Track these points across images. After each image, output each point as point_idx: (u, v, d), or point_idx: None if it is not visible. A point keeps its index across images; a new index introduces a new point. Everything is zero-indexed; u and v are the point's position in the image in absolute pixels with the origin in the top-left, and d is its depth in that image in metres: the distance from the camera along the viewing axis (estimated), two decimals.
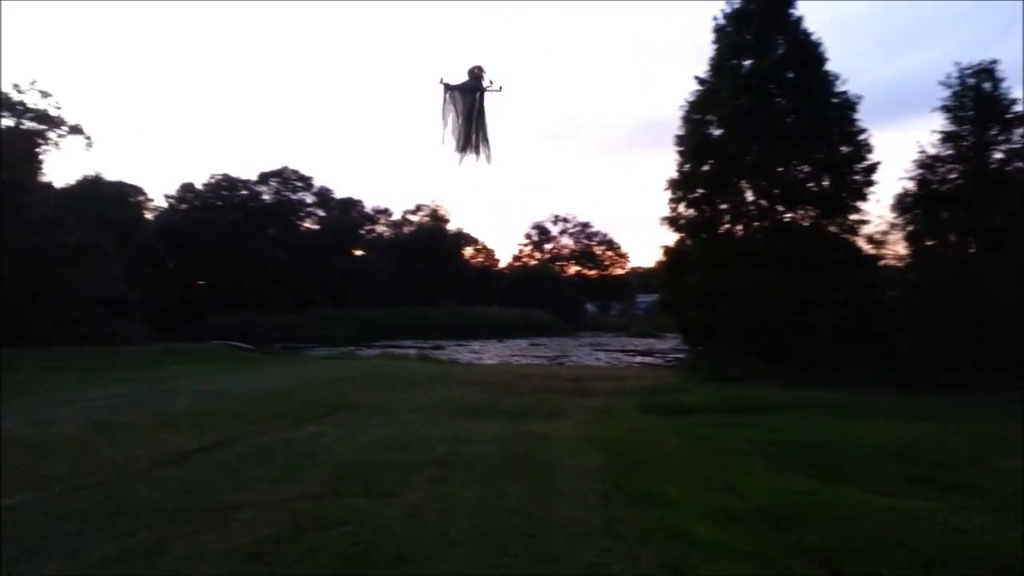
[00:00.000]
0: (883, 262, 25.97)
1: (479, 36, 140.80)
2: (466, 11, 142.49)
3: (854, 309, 22.43)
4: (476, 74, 8.54)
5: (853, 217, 25.10)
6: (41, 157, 44.31)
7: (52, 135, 44.18)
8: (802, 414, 14.94)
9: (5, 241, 31.34)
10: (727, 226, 26.65)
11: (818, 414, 14.93)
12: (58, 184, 47.28)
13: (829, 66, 25.97)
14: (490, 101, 8.67)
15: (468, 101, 8.54)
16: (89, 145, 45.48)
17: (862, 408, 16.14)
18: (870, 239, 25.65)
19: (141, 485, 8.21)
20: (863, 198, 24.96)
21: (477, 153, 8.54)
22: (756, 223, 26.02)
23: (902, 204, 26.44)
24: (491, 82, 8.60)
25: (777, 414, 14.89)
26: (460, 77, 8.53)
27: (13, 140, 41.38)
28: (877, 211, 26.02)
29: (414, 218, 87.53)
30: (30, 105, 42.18)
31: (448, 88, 8.55)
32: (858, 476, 8.98)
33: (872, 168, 25.05)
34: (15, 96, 41.44)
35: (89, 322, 35.90)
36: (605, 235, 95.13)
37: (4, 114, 41.21)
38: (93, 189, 50.21)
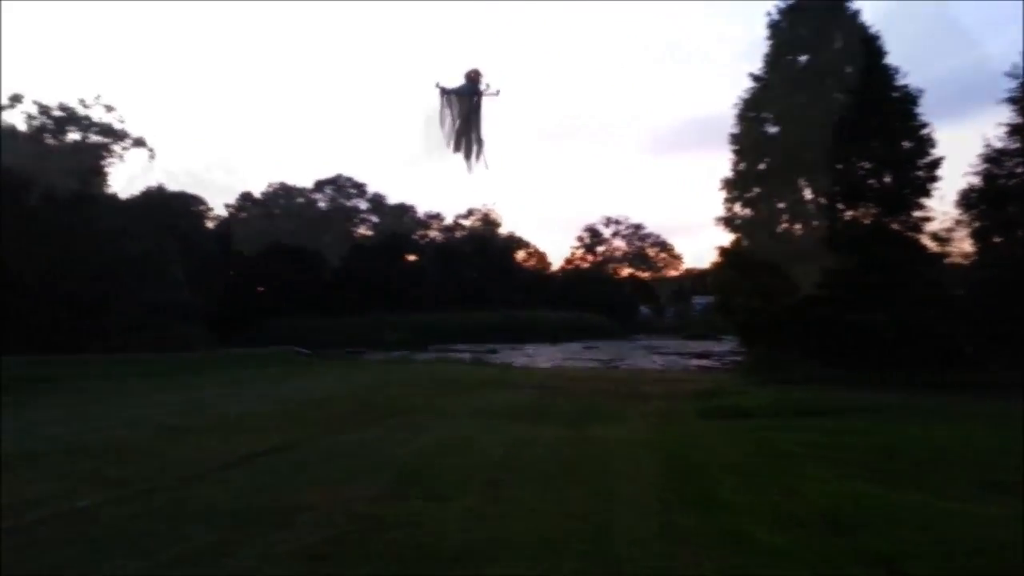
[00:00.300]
0: (948, 260, 25.10)
1: (520, 36, 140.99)
2: (510, 10, 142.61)
3: (918, 309, 21.69)
4: (473, 78, 8.46)
5: (916, 214, 24.30)
6: (107, 170, 45.99)
7: (116, 148, 45.81)
8: (864, 417, 14.57)
9: (74, 251, 32.53)
10: (785, 225, 26.09)
11: (880, 417, 14.55)
12: (123, 196, 48.91)
13: (889, 59, 25.31)
14: (498, 104, 8.67)
15: (465, 105, 8.46)
16: (152, 157, 47.08)
17: (926, 411, 15.66)
18: (935, 236, 24.85)
19: (207, 487, 8.47)
20: (926, 194, 24.13)
21: (469, 157, 8.49)
22: (815, 222, 25.39)
23: (967, 200, 25.49)
24: (487, 86, 8.46)
25: (838, 417, 14.54)
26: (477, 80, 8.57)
27: (80, 154, 43.03)
28: (942, 208, 25.23)
29: (466, 223, 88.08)
30: (95, 119, 43.83)
31: (444, 92, 8.45)
32: (924, 480, 8.74)
33: (935, 163, 24.20)
34: (81, 111, 43.14)
35: (154, 329, 37.02)
36: (658, 236, 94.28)
37: (70, 128, 42.90)
38: (156, 200, 51.77)
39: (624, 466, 9.81)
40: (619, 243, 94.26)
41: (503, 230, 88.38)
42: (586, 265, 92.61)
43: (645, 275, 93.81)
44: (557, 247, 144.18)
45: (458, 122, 8.47)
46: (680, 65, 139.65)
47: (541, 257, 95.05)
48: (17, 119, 41.44)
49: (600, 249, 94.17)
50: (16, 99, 40.77)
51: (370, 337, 53.26)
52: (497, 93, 8.51)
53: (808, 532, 6.54)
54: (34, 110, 41.61)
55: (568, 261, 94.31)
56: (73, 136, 43.71)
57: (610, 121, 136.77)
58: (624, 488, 8.44)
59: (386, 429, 13.28)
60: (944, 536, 6.38)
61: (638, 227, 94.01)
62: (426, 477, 9.03)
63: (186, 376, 25.98)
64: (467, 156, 8.59)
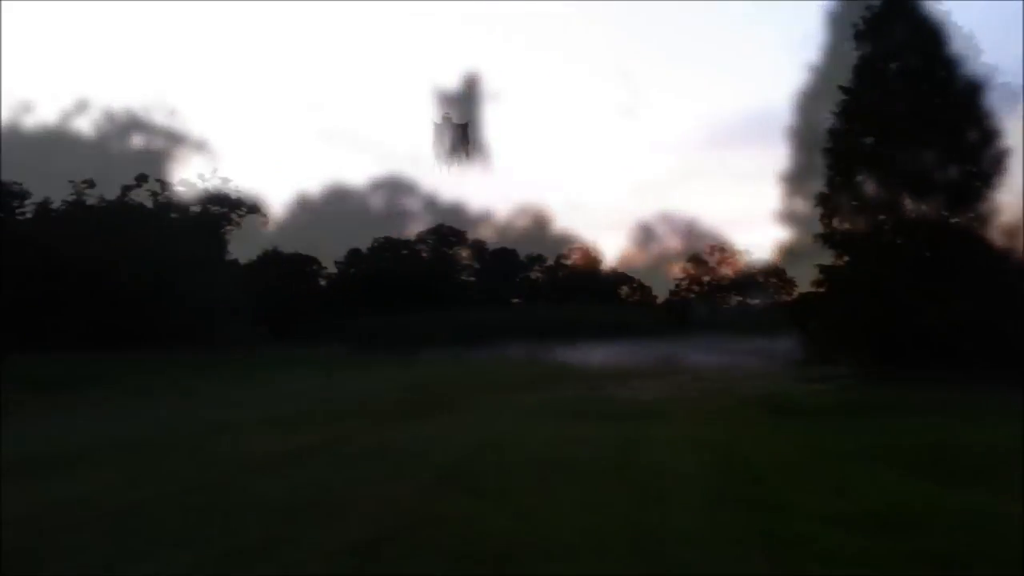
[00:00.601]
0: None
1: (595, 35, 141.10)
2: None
3: (985, 304, 20.65)
4: (449, 117, 10.95)
5: (983, 207, 23.28)
6: (226, 237, 49.84)
7: (234, 216, 49.67)
8: (924, 415, 14.20)
9: (131, 253, 35.31)
10: (846, 220, 25.35)
11: (942, 415, 14.11)
12: (242, 260, 52.74)
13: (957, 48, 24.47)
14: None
15: (464, 110, 10.88)
16: (265, 223, 50.59)
17: (990, 409, 14.99)
18: (1004, 230, 23.74)
19: (256, 482, 8.97)
20: (994, 187, 23.15)
21: (468, 156, 11.06)
22: (880, 216, 24.63)
23: None
24: (482, 93, 11.13)
25: (898, 414, 14.31)
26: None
27: (203, 224, 47.03)
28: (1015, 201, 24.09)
29: (567, 262, 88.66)
30: (158, 124, 47.35)
31: (436, 124, 11.09)
32: (983, 480, 8.49)
33: (1003, 154, 23.22)
34: (200, 184, 47.24)
35: (207, 327, 39.77)
36: (713, 233, 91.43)
37: (135, 133, 46.24)
38: (272, 262, 55.37)
39: (675, 464, 9.79)
40: (673, 240, 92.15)
41: (555, 228, 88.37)
42: (640, 263, 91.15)
43: (700, 272, 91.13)
44: (611, 245, 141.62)
45: (449, 142, 11.38)
46: (732, 57, 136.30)
47: (645, 291, 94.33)
48: (84, 125, 45.18)
49: (706, 279, 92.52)
50: (142, 178, 45.31)
51: (423, 335, 53.17)
52: (468, 121, 11.12)
53: (862, 532, 6.38)
54: (157, 187, 46.01)
55: (673, 293, 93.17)
56: (137, 141, 47.26)
57: (661, 116, 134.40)
58: (674, 487, 8.41)
59: (438, 426, 13.82)
60: (1002, 537, 6.20)
61: (692, 224, 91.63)
62: (474, 474, 9.32)
63: (238, 373, 26.99)
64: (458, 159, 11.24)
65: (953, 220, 23.70)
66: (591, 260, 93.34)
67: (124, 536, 6.63)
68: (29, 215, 39.24)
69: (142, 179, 45.91)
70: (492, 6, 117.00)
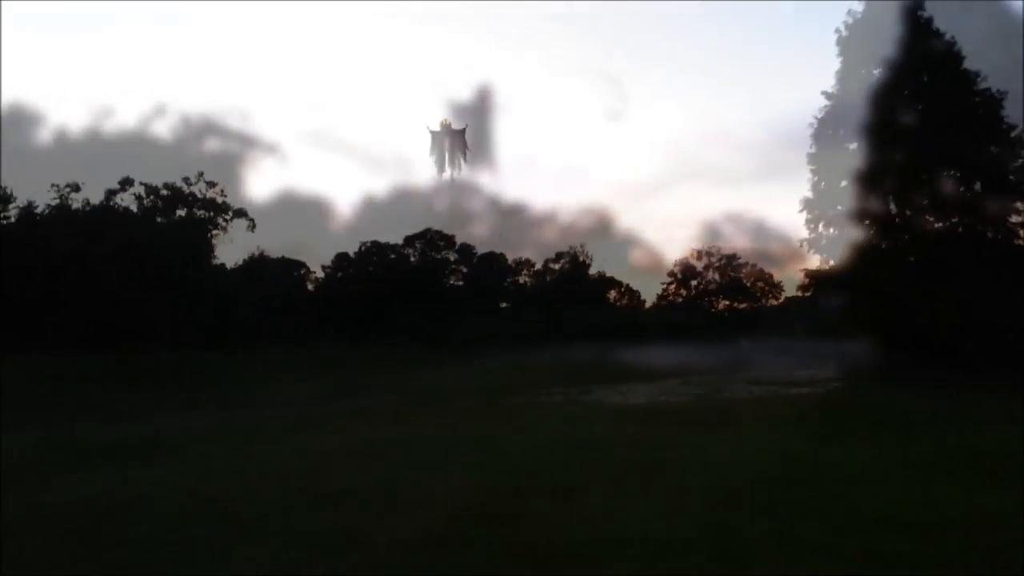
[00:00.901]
0: None
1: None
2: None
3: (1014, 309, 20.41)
4: (446, 123, 11.76)
5: (1013, 219, 23.09)
6: (213, 242, 49.01)
7: (220, 220, 48.84)
8: (994, 424, 13.93)
9: (185, 317, 34.80)
10: (872, 242, 25.21)
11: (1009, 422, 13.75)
12: (229, 264, 51.94)
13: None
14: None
15: (451, 137, 11.90)
16: (252, 227, 49.85)
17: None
18: None
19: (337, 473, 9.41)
20: (1021, 197, 22.97)
21: (456, 169, 11.97)
22: (904, 235, 24.48)
23: None
24: (467, 125, 11.81)
25: (963, 424, 14.04)
26: None
27: (187, 229, 46.07)
28: None
29: (555, 266, 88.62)
30: (198, 195, 47.02)
31: (433, 133, 11.84)
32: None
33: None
34: (185, 189, 46.38)
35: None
36: (754, 266, 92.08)
37: (178, 206, 46.07)
38: (259, 266, 54.58)
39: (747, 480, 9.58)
40: (713, 275, 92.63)
41: (593, 271, 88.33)
42: (680, 300, 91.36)
43: (743, 306, 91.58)
44: (649, 285, 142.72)
45: (447, 154, 12.24)
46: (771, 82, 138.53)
47: (633, 295, 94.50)
48: (128, 202, 44.96)
49: (693, 283, 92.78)
50: (127, 183, 44.29)
51: (467, 386, 53.81)
52: (466, 126, 11.99)
53: (939, 539, 6.37)
54: (142, 191, 45.09)
55: (661, 297, 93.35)
56: (179, 213, 46.94)
57: (686, 150, 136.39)
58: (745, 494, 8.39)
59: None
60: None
61: (732, 257, 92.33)
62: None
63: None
64: (454, 168, 12.03)
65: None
66: (633, 301, 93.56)
67: (203, 523, 7.21)
68: (13, 219, 38.38)
69: (126, 183, 44.80)
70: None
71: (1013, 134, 23.20)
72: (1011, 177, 22.87)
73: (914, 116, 23.89)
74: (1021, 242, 23.16)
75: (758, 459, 10.90)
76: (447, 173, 12.60)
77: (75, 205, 40.17)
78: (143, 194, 45.55)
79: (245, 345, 38.77)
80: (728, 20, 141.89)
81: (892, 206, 24.68)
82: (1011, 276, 21.32)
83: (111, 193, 44.61)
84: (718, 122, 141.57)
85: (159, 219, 45.87)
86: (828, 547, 6.18)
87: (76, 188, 40.53)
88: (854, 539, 6.43)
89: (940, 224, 23.92)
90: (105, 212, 41.89)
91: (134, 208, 45.02)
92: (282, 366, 35.59)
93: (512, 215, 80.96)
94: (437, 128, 12.76)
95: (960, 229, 23.45)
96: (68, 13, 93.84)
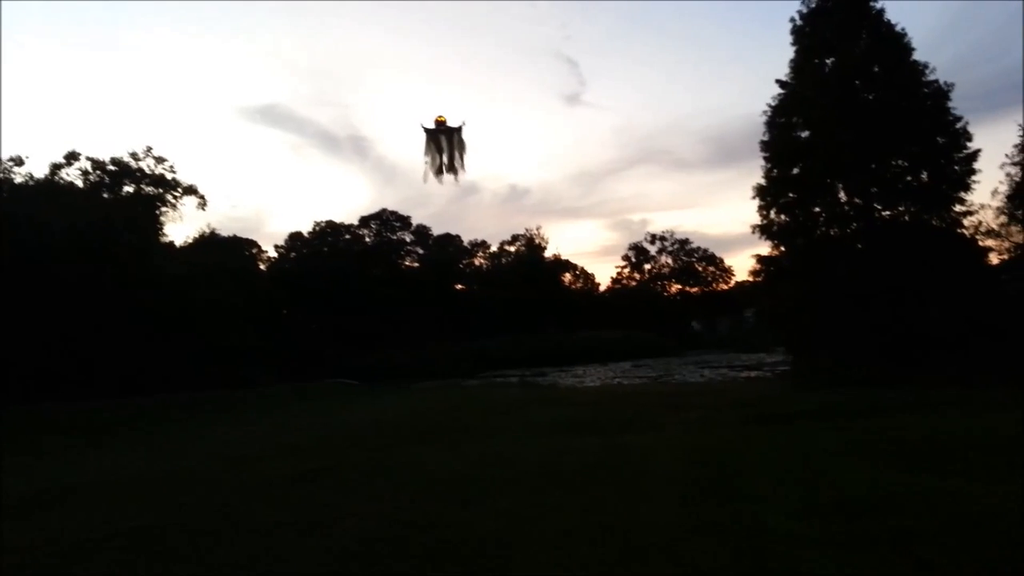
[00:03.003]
0: (998, 254, 24.75)
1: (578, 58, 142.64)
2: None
3: (969, 304, 21.32)
4: (442, 121, 11.16)
5: (957, 209, 23.96)
6: (161, 219, 47.66)
7: (169, 197, 47.49)
8: (910, 413, 14.40)
9: (139, 299, 33.88)
10: (822, 229, 25.91)
11: (929, 413, 14.37)
12: (178, 243, 50.71)
13: (917, 56, 25.20)
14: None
15: (447, 137, 11.16)
16: (203, 205, 48.57)
17: (980, 405, 15.32)
18: (986, 230, 24.63)
19: (257, 504, 9.04)
20: (965, 188, 23.82)
21: (454, 174, 11.25)
22: (853, 223, 25.21)
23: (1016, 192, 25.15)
24: (464, 122, 11.27)
25: (883, 415, 14.37)
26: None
27: (136, 205, 44.76)
28: (994, 202, 25.02)
29: (511, 248, 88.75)
30: (147, 171, 45.63)
31: (427, 130, 11.15)
32: (961, 467, 8.66)
33: (972, 156, 23.87)
34: (133, 164, 45.00)
35: (220, 369, 38.32)
36: (706, 251, 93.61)
37: (125, 181, 44.64)
38: (210, 245, 53.40)
39: (656, 467, 9.99)
40: (666, 259, 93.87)
41: (548, 253, 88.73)
42: (634, 284, 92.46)
43: (694, 290, 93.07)
44: (603, 267, 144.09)
45: (444, 153, 11.19)
46: (728, 72, 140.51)
47: (588, 278, 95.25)
48: (74, 176, 43.43)
49: (647, 267, 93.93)
50: (73, 157, 42.82)
51: (421, 366, 54.06)
52: (463, 124, 11.32)
53: (832, 520, 6.66)
54: (88, 166, 43.59)
55: (615, 280, 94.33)
56: (127, 189, 45.53)
57: (654, 135, 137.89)
58: (652, 486, 8.66)
59: (429, 447, 13.70)
60: (967, 516, 6.49)
61: (684, 242, 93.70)
62: (462, 485, 9.38)
63: (247, 411, 27.37)
64: (454, 175, 11.34)
65: (931, 222, 24.25)
66: (588, 284, 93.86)
67: (135, 556, 6.97)
68: None
69: (72, 157, 43.35)
70: None
71: (958, 125, 24.00)
72: (956, 168, 23.69)
73: (861, 105, 24.56)
74: (964, 231, 24.06)
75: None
76: (443, 177, 11.56)
77: (17, 180, 38.74)
78: (89, 169, 44.10)
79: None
80: (689, 9, 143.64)
81: (842, 194, 25.40)
82: (955, 265, 22.25)
83: (56, 167, 43.08)
84: (674, 109, 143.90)
85: (105, 195, 44.40)
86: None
87: (20, 162, 39.09)
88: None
89: (887, 213, 24.72)
90: (51, 188, 40.43)
91: (80, 183, 43.55)
92: None
93: (469, 195, 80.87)
94: (431, 125, 11.67)
95: (906, 218, 24.30)
96: None
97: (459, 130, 11.34)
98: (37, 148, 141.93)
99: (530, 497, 8.39)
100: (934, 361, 21.25)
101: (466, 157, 11.37)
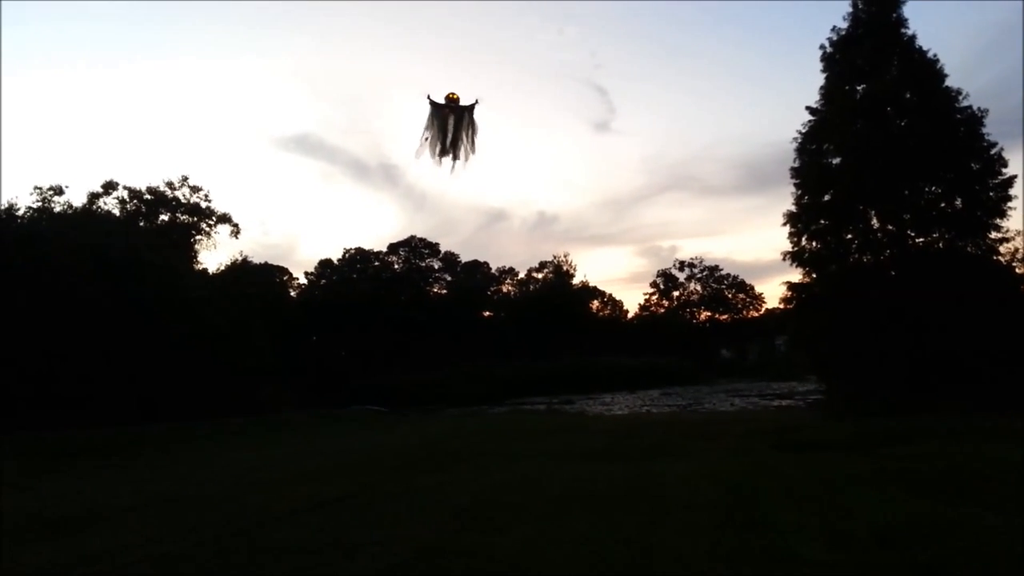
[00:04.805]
0: None
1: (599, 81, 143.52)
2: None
3: (1003, 332, 20.83)
4: (454, 98, 10.33)
5: (992, 236, 23.50)
6: (196, 247, 48.49)
7: (203, 226, 48.38)
8: (940, 442, 14.02)
9: (164, 322, 34.27)
10: (854, 256, 25.53)
11: (958, 442, 13.95)
12: (211, 270, 51.41)
13: (954, 82, 24.93)
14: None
15: (457, 116, 10.30)
16: (236, 233, 49.39)
17: (1009, 434, 14.87)
18: (1022, 257, 24.13)
19: (282, 529, 9.05)
20: (1001, 215, 23.36)
21: (456, 158, 10.38)
22: (886, 251, 24.84)
23: None
24: (477, 100, 10.45)
25: (913, 444, 14.06)
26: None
27: (170, 233, 45.57)
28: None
29: (539, 275, 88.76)
30: (182, 200, 46.59)
31: (433, 104, 10.29)
32: (987, 499, 8.46)
33: (1007, 183, 23.42)
34: (169, 193, 45.97)
35: (243, 392, 38.54)
36: (736, 278, 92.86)
37: (161, 210, 45.57)
38: (241, 272, 54.10)
39: (684, 494, 9.83)
40: (695, 286, 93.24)
41: (576, 280, 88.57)
42: (662, 311, 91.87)
43: (724, 318, 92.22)
44: (632, 294, 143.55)
45: (449, 134, 10.29)
46: (758, 98, 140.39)
47: (616, 305, 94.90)
48: (112, 205, 44.40)
49: (675, 293, 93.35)
50: (111, 186, 43.84)
51: (447, 392, 54.03)
52: (476, 102, 10.46)
53: (856, 549, 6.55)
54: (126, 195, 44.59)
55: (643, 307, 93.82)
56: (163, 218, 46.47)
57: (684, 163, 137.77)
58: (679, 514, 8.51)
59: (453, 473, 13.61)
60: (990, 548, 6.39)
61: (714, 269, 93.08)
62: (486, 512, 9.30)
63: (272, 435, 27.42)
64: (454, 157, 10.41)
65: (965, 249, 23.83)
66: (616, 311, 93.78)
67: None
68: None
69: (110, 187, 44.38)
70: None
71: (993, 151, 23.64)
72: (991, 194, 23.30)
73: (893, 132, 24.30)
74: (1000, 258, 23.59)
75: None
76: (446, 159, 10.09)
77: (57, 208, 39.64)
78: (127, 198, 45.08)
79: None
80: (718, 36, 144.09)
81: (874, 220, 25.06)
82: (989, 293, 21.79)
83: (94, 197, 44.10)
84: (704, 135, 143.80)
85: (141, 223, 45.31)
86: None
87: (59, 191, 40.02)
88: None
89: (921, 240, 24.35)
90: (89, 216, 41.25)
91: (117, 212, 44.51)
92: None
93: (497, 222, 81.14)
94: (440, 100, 10.47)
95: (939, 245, 23.91)
96: None
97: (471, 109, 10.47)
98: (75, 177, 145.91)
99: (555, 523, 8.29)
100: (965, 390, 20.76)
101: (477, 139, 10.47)
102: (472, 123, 10.40)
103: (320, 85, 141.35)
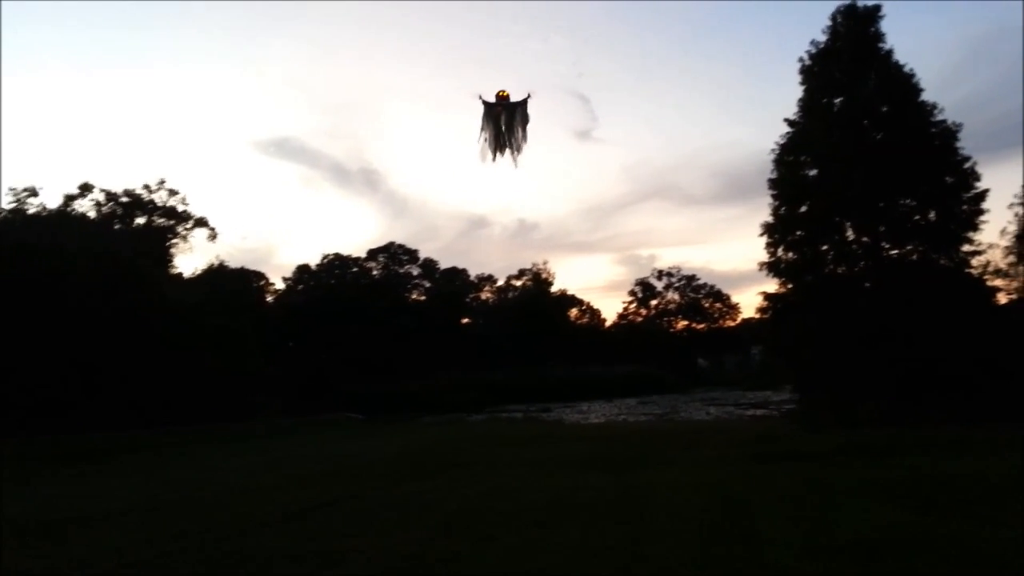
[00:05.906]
0: (1006, 294, 24.69)
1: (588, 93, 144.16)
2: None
3: (975, 343, 21.23)
4: (504, 96, 10.60)
5: (965, 248, 23.95)
6: (172, 251, 47.97)
7: (180, 229, 47.88)
8: (917, 454, 14.31)
9: (149, 328, 33.81)
10: (830, 267, 25.89)
11: (934, 453, 14.30)
12: (187, 274, 50.89)
13: (926, 96, 25.42)
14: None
15: (509, 112, 10.54)
16: (213, 237, 48.96)
17: (985, 445, 15.27)
18: (994, 270, 24.64)
19: (267, 536, 9.03)
20: (974, 228, 23.85)
21: (515, 152, 10.69)
22: (861, 262, 25.23)
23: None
24: (529, 94, 10.65)
25: (889, 455, 14.31)
26: None
27: (148, 237, 45.04)
28: (1002, 242, 25.07)
29: (517, 283, 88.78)
30: (159, 203, 46.07)
31: (486, 104, 10.56)
32: (965, 510, 8.65)
33: (980, 196, 23.94)
34: (146, 196, 45.46)
35: (227, 397, 38.11)
36: (713, 287, 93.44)
37: (138, 213, 45.00)
38: (219, 276, 53.57)
39: (666, 505, 9.91)
40: (673, 295, 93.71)
41: (555, 288, 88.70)
42: (640, 319, 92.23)
43: (701, 327, 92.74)
44: (611, 302, 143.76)
45: (503, 132, 10.56)
46: (739, 108, 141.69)
47: (595, 313, 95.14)
48: (87, 207, 43.80)
49: (653, 303, 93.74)
50: (86, 188, 43.29)
51: (425, 400, 53.78)
52: (528, 96, 10.66)
53: (839, 560, 6.63)
54: (102, 198, 44.04)
55: (621, 316, 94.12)
56: (139, 220, 45.93)
57: (664, 172, 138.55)
58: (662, 524, 8.57)
59: (438, 481, 13.64)
60: (973, 560, 6.46)
61: (691, 279, 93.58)
62: (471, 521, 9.31)
63: (254, 442, 27.50)
64: (513, 151, 10.66)
65: (938, 261, 24.26)
66: (594, 320, 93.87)
67: None
68: None
69: (86, 188, 43.86)
70: None
71: (966, 165, 24.10)
72: (964, 207, 23.75)
73: (869, 144, 24.73)
74: (972, 271, 24.05)
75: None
76: (501, 156, 10.29)
77: (31, 210, 39.11)
78: (103, 200, 44.55)
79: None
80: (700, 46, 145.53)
81: (850, 232, 25.44)
82: (962, 305, 22.20)
83: (70, 198, 43.54)
84: (685, 145, 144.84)
85: (117, 226, 44.80)
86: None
87: (34, 193, 39.49)
88: None
89: (895, 251, 24.73)
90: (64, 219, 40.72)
91: (92, 214, 43.97)
92: None
93: (478, 229, 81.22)
94: (492, 100, 10.59)
95: (914, 257, 24.32)
96: None
97: (523, 104, 10.71)
98: (51, 179, 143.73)
99: (538, 533, 8.33)
100: (940, 400, 21.11)
101: (528, 128, 10.75)
102: (525, 116, 10.65)
103: (302, 89, 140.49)
